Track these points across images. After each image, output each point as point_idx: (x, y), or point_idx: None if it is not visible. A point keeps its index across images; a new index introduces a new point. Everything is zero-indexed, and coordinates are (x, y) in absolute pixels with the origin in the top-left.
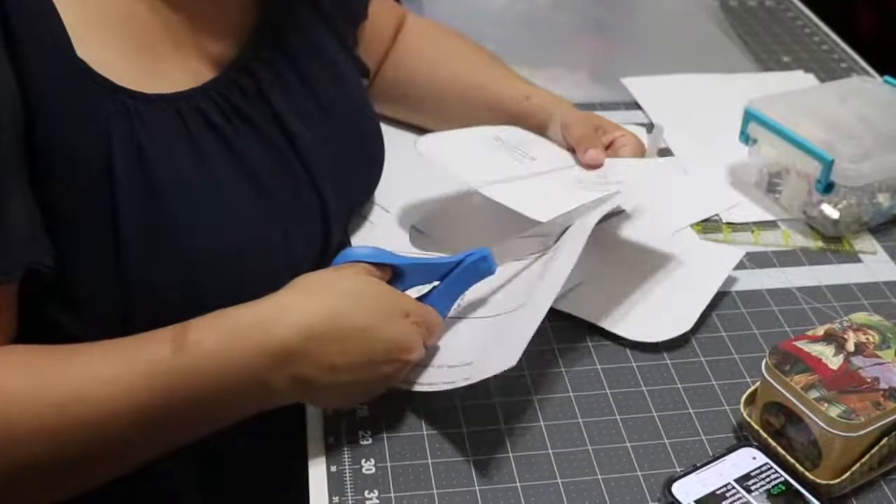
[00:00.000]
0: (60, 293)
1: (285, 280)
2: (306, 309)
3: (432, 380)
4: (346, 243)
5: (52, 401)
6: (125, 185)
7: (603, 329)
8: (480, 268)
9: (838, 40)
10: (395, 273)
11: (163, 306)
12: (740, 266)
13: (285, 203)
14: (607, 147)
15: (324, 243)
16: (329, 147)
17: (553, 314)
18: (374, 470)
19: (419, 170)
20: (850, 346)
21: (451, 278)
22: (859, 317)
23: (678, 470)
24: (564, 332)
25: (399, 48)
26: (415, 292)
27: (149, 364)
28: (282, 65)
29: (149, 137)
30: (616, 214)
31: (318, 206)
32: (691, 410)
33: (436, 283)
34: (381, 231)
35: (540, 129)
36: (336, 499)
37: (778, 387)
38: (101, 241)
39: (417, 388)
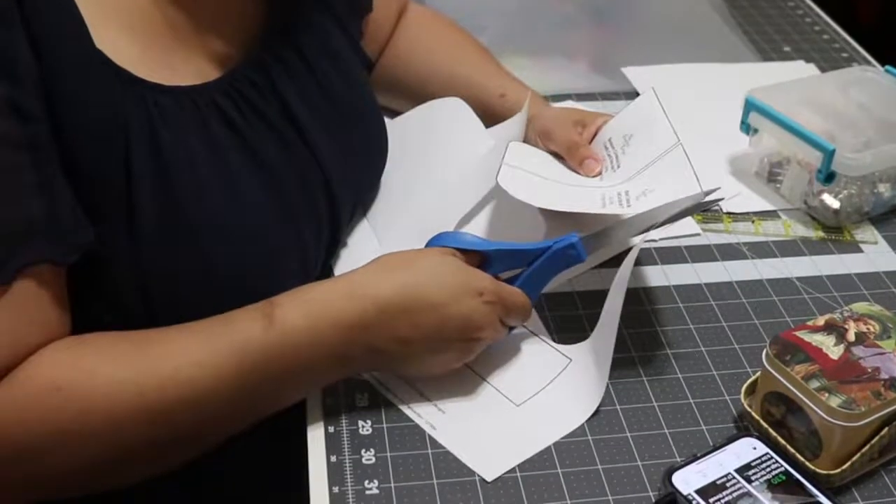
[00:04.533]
0: (88, 282)
1: (298, 272)
2: (381, 283)
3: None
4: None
5: (152, 385)
6: (142, 175)
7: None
8: (569, 255)
9: (839, 30)
10: (482, 259)
11: (180, 298)
12: (741, 256)
13: (297, 196)
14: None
15: (331, 239)
16: (338, 144)
17: (552, 305)
18: (374, 460)
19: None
20: (851, 336)
21: (538, 264)
22: (860, 307)
23: (679, 460)
24: (564, 322)
25: (398, 37)
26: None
27: (241, 343)
28: (293, 61)
29: (166, 128)
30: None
31: (328, 202)
32: (692, 400)
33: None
34: (379, 222)
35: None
36: (336, 489)
37: (778, 377)
38: (117, 229)
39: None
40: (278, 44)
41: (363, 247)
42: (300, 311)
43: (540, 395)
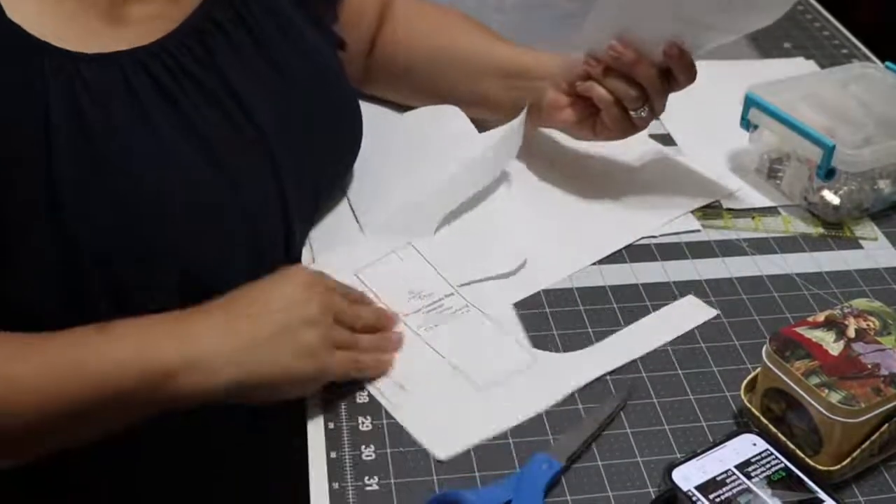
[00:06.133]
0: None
1: (240, 234)
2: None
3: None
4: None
5: None
6: (63, 145)
7: (603, 316)
8: (541, 470)
9: (839, 26)
10: None
11: (107, 257)
12: (741, 252)
13: (232, 157)
14: None
15: (282, 204)
16: (282, 109)
17: (550, 301)
18: (373, 456)
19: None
20: (851, 333)
21: (518, 495)
22: (860, 303)
23: (678, 456)
24: (563, 317)
25: (393, 25)
26: None
27: (76, 349)
28: (235, 28)
29: (87, 95)
30: None
31: (269, 163)
32: (692, 397)
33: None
34: (363, 209)
35: (548, 78)
36: (336, 485)
37: (778, 373)
38: (35, 195)
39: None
40: (219, 11)
41: (346, 235)
42: (132, 324)
43: (502, 382)
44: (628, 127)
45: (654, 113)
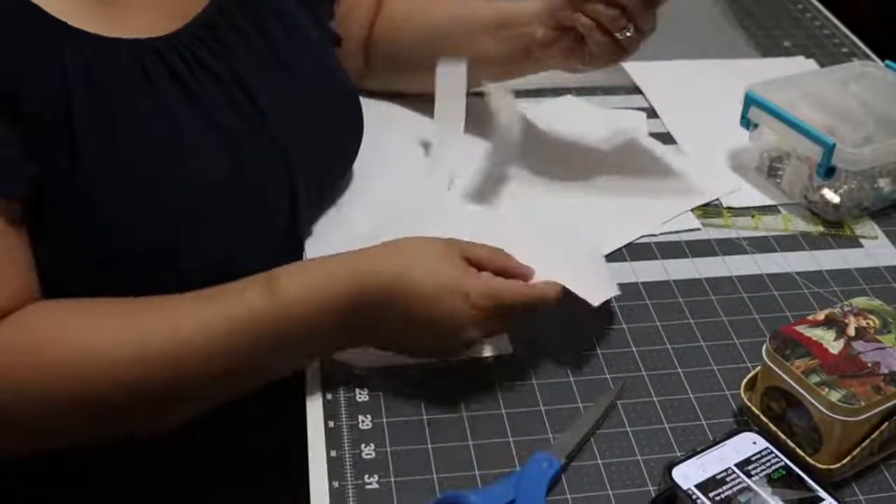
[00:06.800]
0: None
1: (252, 221)
2: (381, 269)
3: None
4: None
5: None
6: (84, 127)
7: (602, 314)
8: (542, 468)
9: (839, 25)
10: None
11: (132, 241)
12: (741, 251)
13: (250, 155)
14: None
15: (291, 197)
16: (292, 106)
17: None
18: (374, 455)
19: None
20: (851, 331)
21: (520, 494)
22: (860, 301)
23: (678, 455)
24: (563, 316)
25: (390, 10)
26: None
27: (246, 314)
28: (244, 25)
29: (106, 75)
30: None
31: (284, 164)
32: (692, 395)
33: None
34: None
35: (535, 22)
36: (336, 483)
37: (778, 371)
38: (59, 169)
39: None
40: (231, 9)
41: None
42: (301, 292)
43: None
44: (616, 51)
45: (641, 32)
